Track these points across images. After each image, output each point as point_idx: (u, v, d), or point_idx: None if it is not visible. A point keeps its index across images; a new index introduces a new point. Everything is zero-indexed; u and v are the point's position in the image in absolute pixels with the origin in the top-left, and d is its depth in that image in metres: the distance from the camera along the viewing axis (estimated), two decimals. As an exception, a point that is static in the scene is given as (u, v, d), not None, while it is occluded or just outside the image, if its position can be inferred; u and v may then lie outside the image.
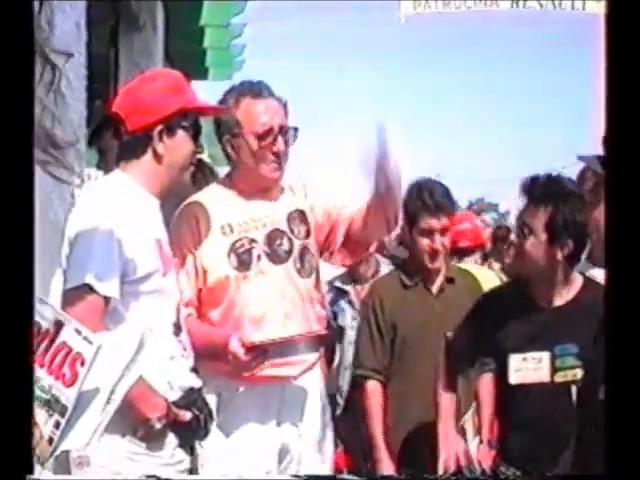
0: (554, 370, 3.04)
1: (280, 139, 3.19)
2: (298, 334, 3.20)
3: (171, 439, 2.81)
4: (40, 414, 1.90)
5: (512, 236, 3.14)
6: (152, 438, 2.76)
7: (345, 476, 2.95)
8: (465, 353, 3.33)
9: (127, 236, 2.74)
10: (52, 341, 1.92)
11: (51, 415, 1.90)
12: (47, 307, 1.98)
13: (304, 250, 3.29)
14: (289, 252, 3.25)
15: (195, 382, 2.91)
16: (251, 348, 3.03)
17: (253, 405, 3.21)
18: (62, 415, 1.90)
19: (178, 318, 2.91)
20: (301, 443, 3.29)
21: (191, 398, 2.86)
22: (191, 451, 2.90)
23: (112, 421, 2.68)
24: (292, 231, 3.28)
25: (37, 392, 1.89)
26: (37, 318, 1.90)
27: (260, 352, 3.05)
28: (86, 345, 1.91)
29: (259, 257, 3.21)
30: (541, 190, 3.08)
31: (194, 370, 2.93)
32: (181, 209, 3.28)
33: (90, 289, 2.67)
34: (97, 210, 2.80)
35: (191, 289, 3.17)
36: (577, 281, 3.14)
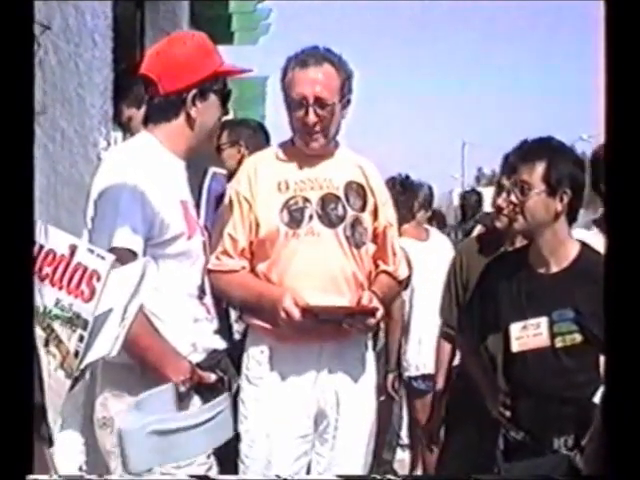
0: (553, 335, 3.07)
1: (311, 110, 3.19)
2: (349, 306, 3.21)
3: (195, 401, 2.82)
4: (64, 332, 2.06)
5: (512, 198, 3.15)
6: (177, 400, 2.77)
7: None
8: (469, 319, 3.36)
9: (153, 198, 2.73)
10: (68, 264, 2.09)
11: (74, 330, 2.06)
12: (59, 234, 2.13)
13: (356, 221, 3.31)
14: (341, 218, 3.28)
15: (219, 344, 2.93)
16: (305, 310, 3.08)
17: (291, 364, 3.23)
18: (84, 328, 2.06)
19: (203, 281, 2.92)
20: (340, 409, 3.28)
21: (215, 360, 2.88)
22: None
23: (137, 383, 2.73)
24: (348, 200, 3.31)
25: (58, 312, 2.07)
26: (50, 245, 2.08)
27: (311, 315, 3.09)
28: (100, 261, 2.10)
29: (311, 217, 3.25)
30: (533, 149, 3.17)
31: (218, 332, 2.94)
32: (246, 162, 3.46)
33: (117, 252, 2.66)
34: (123, 171, 2.77)
35: (246, 240, 3.25)
36: (575, 247, 3.18)
